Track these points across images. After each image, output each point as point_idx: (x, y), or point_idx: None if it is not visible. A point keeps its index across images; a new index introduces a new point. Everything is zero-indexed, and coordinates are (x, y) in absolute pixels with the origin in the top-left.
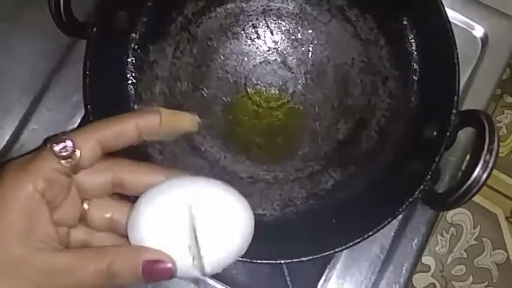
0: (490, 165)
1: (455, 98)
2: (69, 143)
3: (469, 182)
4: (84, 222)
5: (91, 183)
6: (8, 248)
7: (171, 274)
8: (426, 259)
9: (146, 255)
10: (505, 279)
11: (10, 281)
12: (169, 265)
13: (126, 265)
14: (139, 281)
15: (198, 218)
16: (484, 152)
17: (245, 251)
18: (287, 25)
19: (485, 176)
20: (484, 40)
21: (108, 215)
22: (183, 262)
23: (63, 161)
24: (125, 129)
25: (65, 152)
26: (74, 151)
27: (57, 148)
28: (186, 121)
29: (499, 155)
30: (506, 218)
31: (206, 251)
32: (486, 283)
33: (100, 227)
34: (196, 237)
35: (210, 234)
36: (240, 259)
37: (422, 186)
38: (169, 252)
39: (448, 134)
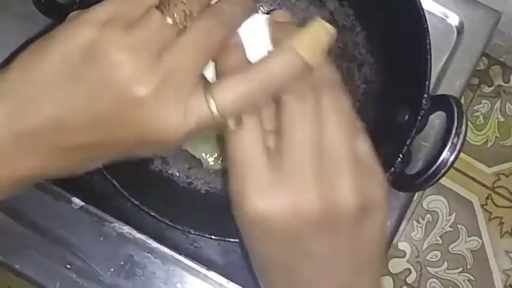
0: (458, 147)
1: (427, 83)
2: None
3: (437, 164)
4: None
5: None
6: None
7: None
8: (402, 245)
9: None
10: (479, 266)
11: None
12: None
13: None
14: None
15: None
16: (452, 135)
17: None
18: (265, 10)
19: (452, 158)
20: (460, 28)
21: None
22: None
23: None
24: None
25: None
26: None
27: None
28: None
29: (476, 143)
30: (482, 205)
31: None
32: (460, 269)
33: None
34: None
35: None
36: (215, 238)
37: (392, 169)
38: None
39: (420, 118)
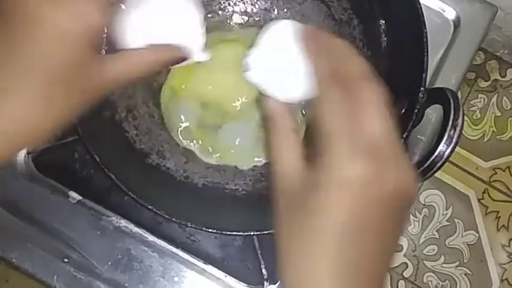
0: (454, 139)
1: (424, 76)
2: None
3: (433, 156)
4: None
5: None
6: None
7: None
8: None
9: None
10: (476, 260)
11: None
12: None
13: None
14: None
15: None
16: (449, 128)
17: None
18: (263, 4)
19: (449, 150)
20: (456, 23)
21: None
22: None
23: None
24: None
25: None
26: None
27: None
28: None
29: (472, 138)
30: (478, 199)
31: None
32: (457, 263)
33: None
34: None
35: None
36: (212, 231)
37: None
38: None
39: (416, 111)
